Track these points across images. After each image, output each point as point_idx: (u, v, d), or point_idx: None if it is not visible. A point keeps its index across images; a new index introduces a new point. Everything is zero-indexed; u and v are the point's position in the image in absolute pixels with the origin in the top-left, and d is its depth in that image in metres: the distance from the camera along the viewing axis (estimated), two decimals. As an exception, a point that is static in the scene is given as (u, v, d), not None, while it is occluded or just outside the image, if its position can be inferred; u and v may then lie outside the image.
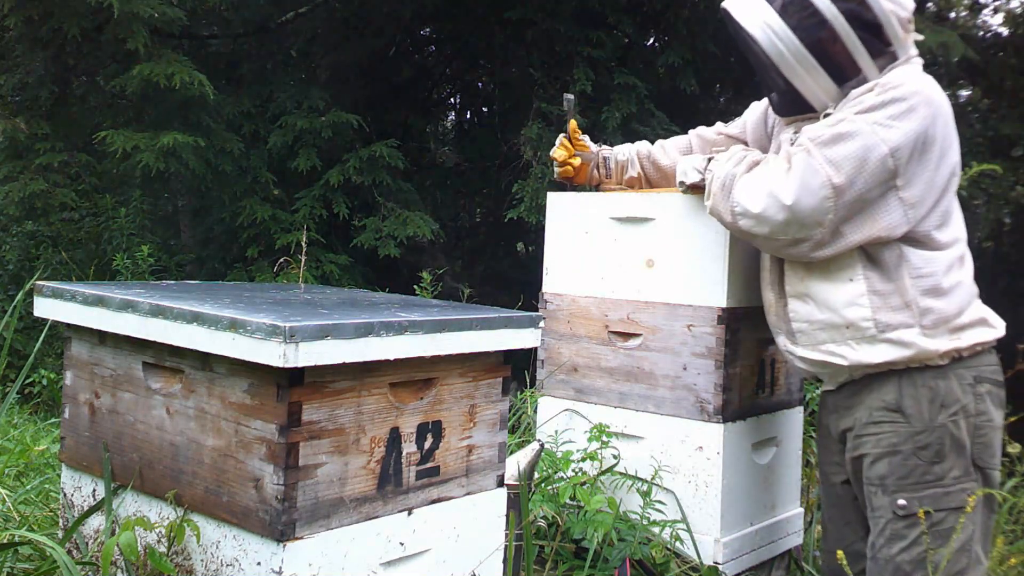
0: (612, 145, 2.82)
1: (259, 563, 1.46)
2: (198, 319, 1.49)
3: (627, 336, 2.58)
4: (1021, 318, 2.32)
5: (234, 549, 1.50)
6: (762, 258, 2.35)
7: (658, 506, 2.44)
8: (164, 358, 1.62)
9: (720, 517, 2.43)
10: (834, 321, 2.13)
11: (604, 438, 2.51)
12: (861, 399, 2.16)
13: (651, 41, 8.55)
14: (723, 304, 2.41)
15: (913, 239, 2.08)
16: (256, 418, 1.47)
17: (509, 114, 8.62)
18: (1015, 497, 3.19)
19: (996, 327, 2.15)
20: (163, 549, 1.58)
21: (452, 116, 11.17)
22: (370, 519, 1.56)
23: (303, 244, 2.68)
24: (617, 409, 2.60)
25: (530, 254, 9.36)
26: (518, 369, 3.90)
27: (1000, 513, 2.98)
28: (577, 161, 2.73)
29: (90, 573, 1.72)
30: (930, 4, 8.93)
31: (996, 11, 9.29)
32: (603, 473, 2.53)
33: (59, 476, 1.98)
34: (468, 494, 1.72)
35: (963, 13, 9.49)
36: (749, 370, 2.51)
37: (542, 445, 2.29)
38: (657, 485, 2.48)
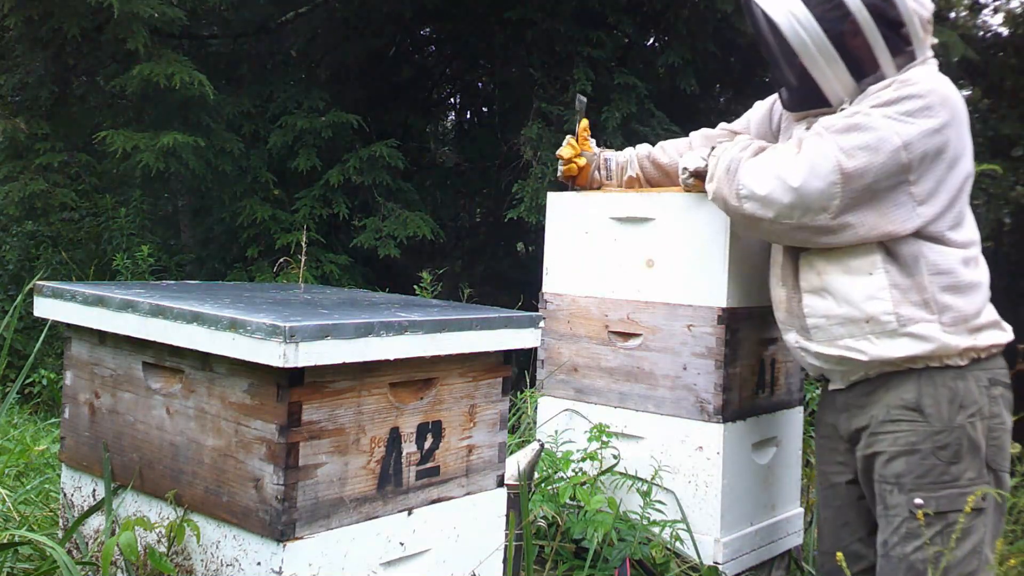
0: (612, 145, 2.83)
1: (259, 563, 1.46)
2: (198, 319, 1.49)
3: (627, 336, 2.58)
4: (1021, 318, 2.32)
5: (234, 549, 1.50)
6: (773, 254, 2.34)
7: (658, 506, 2.44)
8: (164, 358, 1.62)
9: (720, 517, 2.43)
10: (853, 315, 2.12)
11: (604, 438, 2.51)
12: (878, 397, 2.15)
13: (651, 41, 8.55)
14: (723, 304, 2.41)
15: (929, 236, 2.08)
16: (256, 418, 1.47)
17: (509, 114, 8.62)
18: (1015, 497, 3.19)
19: (1007, 331, 2.16)
20: (163, 549, 1.58)
21: (452, 116, 11.17)
22: (370, 519, 1.56)
23: (303, 244, 2.68)
24: (617, 409, 2.60)
25: (530, 254, 9.35)
26: (518, 369, 3.90)
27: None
28: (582, 161, 2.72)
29: (90, 573, 1.72)
30: (930, 4, 8.89)
31: (996, 11, 9.30)
32: (603, 473, 2.53)
33: (59, 476, 1.98)
34: (468, 494, 1.72)
35: (963, 13, 9.49)
36: (749, 370, 2.51)
37: (542, 445, 2.29)
38: (657, 485, 2.48)
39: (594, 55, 7.31)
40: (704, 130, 2.69)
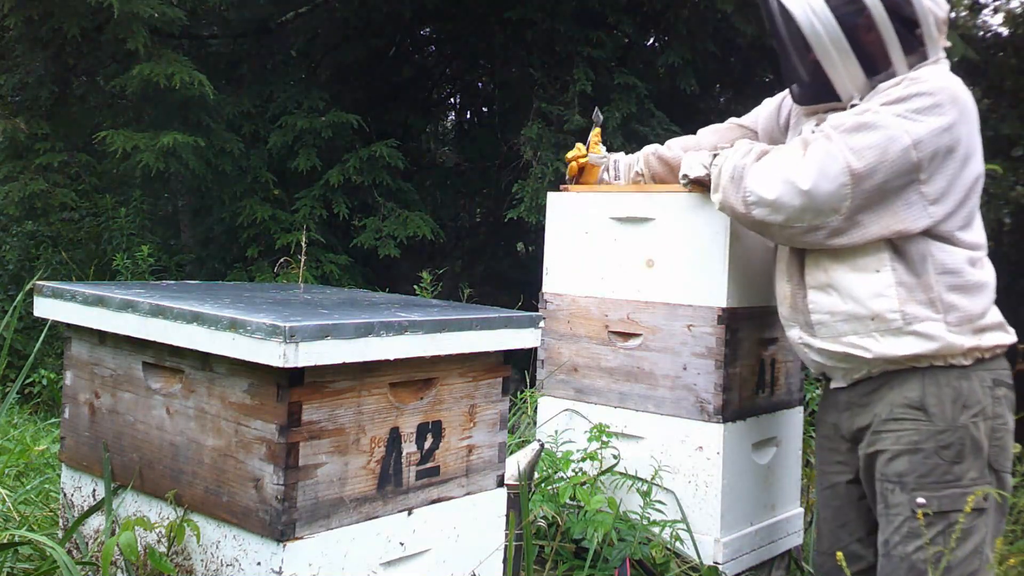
0: (613, 144, 2.84)
1: (259, 563, 1.46)
2: (198, 319, 1.49)
3: (627, 336, 2.58)
4: (1021, 318, 2.32)
5: (234, 549, 1.50)
6: (778, 250, 2.34)
7: (658, 506, 2.44)
8: (164, 358, 1.62)
9: (720, 517, 2.43)
10: (858, 312, 2.12)
11: (604, 438, 2.51)
12: (881, 395, 2.15)
13: (651, 41, 8.55)
14: (723, 304, 2.41)
15: (938, 236, 2.08)
16: (256, 418, 1.47)
17: (509, 114, 8.62)
18: (1015, 497, 3.19)
19: (1011, 333, 2.16)
20: (163, 549, 1.58)
21: (452, 116, 11.17)
22: (370, 519, 1.56)
23: (303, 244, 2.68)
24: (617, 409, 2.60)
25: (530, 254, 9.35)
26: (518, 369, 3.90)
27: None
28: (583, 159, 2.72)
29: (90, 573, 1.72)
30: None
31: (996, 11, 9.29)
32: (603, 473, 2.53)
33: (59, 476, 1.98)
34: (468, 494, 1.72)
35: (963, 13, 9.49)
36: (749, 370, 2.51)
37: (542, 445, 2.29)
38: (657, 485, 2.48)
39: (594, 55, 7.31)
40: (713, 125, 2.68)
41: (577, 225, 2.67)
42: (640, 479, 2.51)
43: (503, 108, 9.08)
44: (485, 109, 10.06)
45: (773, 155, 2.15)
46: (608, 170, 2.75)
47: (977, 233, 2.14)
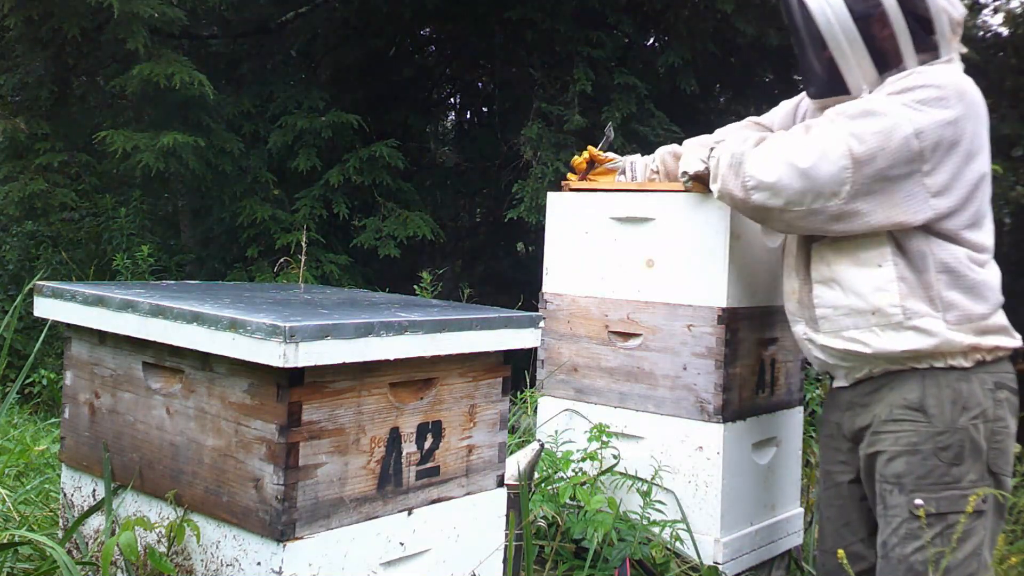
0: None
1: (259, 563, 1.46)
2: (198, 319, 1.49)
3: (627, 336, 2.58)
4: (1022, 318, 2.32)
5: (234, 549, 1.50)
6: (787, 244, 2.34)
7: (658, 506, 2.44)
8: (164, 358, 1.62)
9: (720, 517, 2.43)
10: (859, 306, 2.12)
11: (604, 438, 2.51)
12: (881, 396, 2.15)
13: (651, 41, 8.55)
14: (723, 304, 2.41)
15: (941, 233, 2.08)
16: (256, 418, 1.47)
17: (509, 114, 8.62)
18: (1015, 497, 3.19)
19: (1016, 338, 2.15)
20: (163, 549, 1.58)
21: (452, 116, 11.17)
22: (370, 519, 1.56)
23: (303, 244, 2.68)
24: (617, 409, 2.60)
25: (530, 254, 9.35)
26: (518, 369, 3.90)
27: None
28: (581, 160, 2.73)
29: (90, 573, 1.72)
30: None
31: (996, 11, 9.29)
32: (603, 473, 2.53)
33: (59, 476, 1.98)
34: (468, 494, 1.72)
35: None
36: (749, 370, 2.51)
37: (542, 445, 2.29)
38: (657, 485, 2.48)
39: (594, 55, 7.31)
40: (731, 124, 2.67)
41: (577, 225, 2.67)
42: (640, 479, 2.51)
43: (503, 108, 9.08)
44: (485, 109, 10.06)
45: (773, 139, 2.16)
46: (624, 172, 2.75)
47: (986, 235, 2.13)
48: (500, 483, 1.79)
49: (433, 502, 1.66)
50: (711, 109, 8.76)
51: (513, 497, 1.95)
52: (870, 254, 2.11)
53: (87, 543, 1.75)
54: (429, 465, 1.65)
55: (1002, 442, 2.09)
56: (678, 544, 2.43)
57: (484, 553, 1.75)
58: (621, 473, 2.54)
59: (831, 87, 2.21)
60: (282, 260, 4.56)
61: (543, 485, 2.53)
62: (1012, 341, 2.13)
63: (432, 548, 1.66)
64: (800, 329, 2.27)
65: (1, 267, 7.75)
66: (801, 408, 2.75)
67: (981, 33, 9.39)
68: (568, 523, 2.36)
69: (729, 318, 2.41)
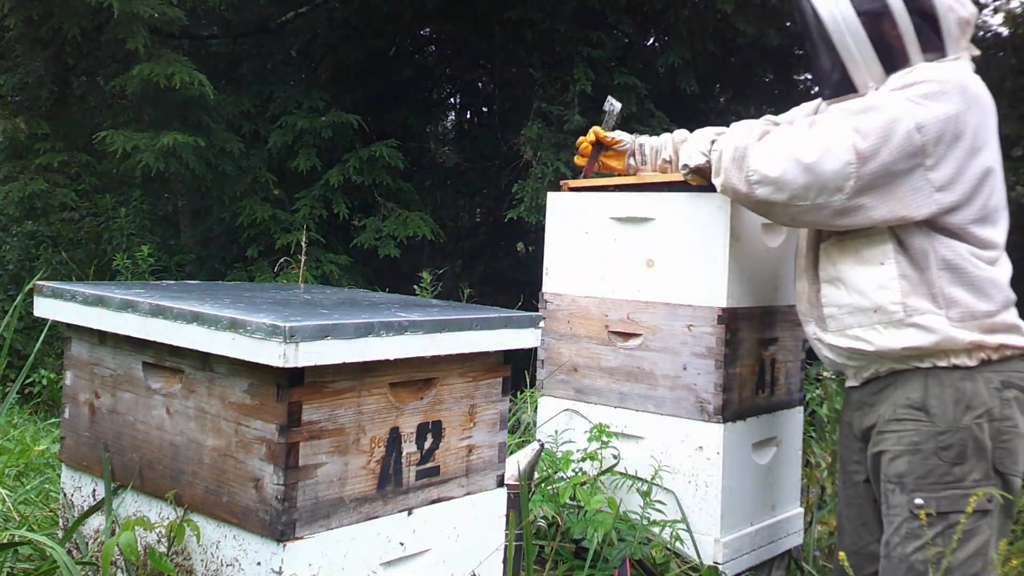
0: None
1: (259, 563, 1.46)
2: (198, 319, 1.49)
3: (627, 336, 2.58)
4: (1022, 318, 2.32)
5: (234, 549, 1.50)
6: (797, 245, 2.34)
7: (658, 506, 2.44)
8: (164, 358, 1.62)
9: (720, 517, 2.43)
10: (862, 304, 2.13)
11: (604, 438, 2.51)
12: (886, 396, 2.15)
13: (651, 41, 8.55)
14: (723, 304, 2.41)
15: (946, 229, 2.07)
16: (256, 418, 1.47)
17: (509, 114, 8.62)
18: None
19: None
20: (163, 549, 1.58)
21: (452, 116, 11.16)
22: (370, 519, 1.56)
23: (303, 244, 2.68)
24: (617, 409, 2.60)
25: (530, 254, 9.35)
26: (518, 369, 3.90)
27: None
28: (586, 141, 2.70)
29: (90, 573, 1.72)
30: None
31: (996, 11, 9.28)
32: (603, 473, 2.53)
33: (59, 476, 1.98)
34: (468, 494, 1.72)
35: (963, 13, 9.44)
36: (749, 370, 2.51)
37: (542, 445, 2.29)
38: (657, 485, 2.48)
39: (594, 55, 7.31)
40: (746, 120, 2.66)
41: (577, 225, 2.67)
42: (640, 479, 2.51)
43: (503, 108, 9.08)
44: (485, 109, 10.06)
45: (777, 134, 2.16)
46: (635, 155, 2.72)
47: (996, 231, 2.11)
48: (500, 483, 1.79)
49: (433, 502, 1.66)
50: (711, 109, 8.76)
51: (513, 497, 1.95)
52: (873, 252, 2.12)
53: (87, 543, 1.75)
54: (429, 465, 1.65)
55: (1009, 441, 2.07)
56: (678, 544, 2.43)
57: (484, 553, 1.75)
58: (621, 473, 2.54)
59: (841, 87, 2.21)
60: (282, 260, 4.56)
61: (543, 485, 2.53)
62: (1021, 339, 2.11)
63: (432, 548, 1.66)
64: (811, 329, 2.28)
65: (1, 267, 7.75)
66: (801, 408, 2.75)
67: (981, 33, 9.38)
68: (568, 523, 2.36)
69: (729, 318, 2.41)
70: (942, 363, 2.08)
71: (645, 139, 2.74)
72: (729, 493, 2.45)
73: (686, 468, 2.47)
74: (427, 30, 9.50)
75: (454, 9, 8.15)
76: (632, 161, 2.73)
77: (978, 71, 2.19)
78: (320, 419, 1.48)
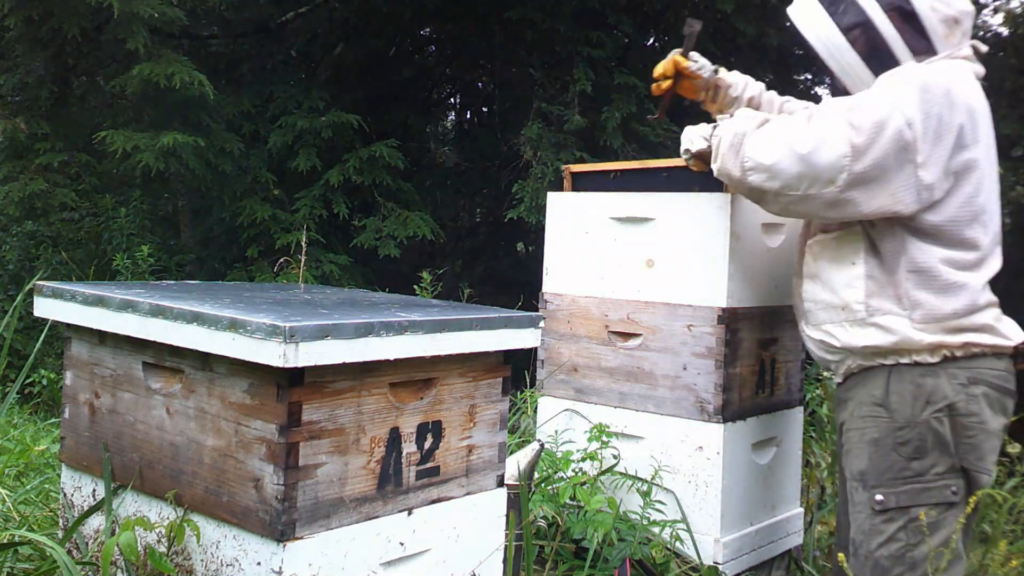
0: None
1: (259, 563, 1.46)
2: (198, 319, 1.49)
3: (627, 336, 2.58)
4: (1021, 318, 2.30)
5: (234, 549, 1.50)
6: (797, 246, 2.36)
7: (658, 506, 2.44)
8: (164, 358, 1.62)
9: (720, 517, 2.43)
10: (833, 301, 2.17)
11: (604, 438, 2.51)
12: (854, 393, 2.18)
13: (651, 41, 8.55)
14: (723, 304, 2.41)
15: (923, 230, 2.07)
16: (256, 418, 1.47)
17: (509, 114, 8.62)
18: (1015, 497, 3.18)
19: (1006, 336, 2.10)
20: (163, 549, 1.58)
21: (452, 116, 11.17)
22: (370, 519, 1.56)
23: (303, 244, 2.68)
24: (617, 409, 2.60)
25: (530, 254, 9.36)
26: (518, 369, 3.90)
27: (1000, 513, 2.98)
28: (667, 83, 2.57)
29: (90, 573, 1.72)
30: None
31: (996, 11, 9.28)
32: (603, 473, 2.53)
33: (59, 476, 1.98)
34: (468, 494, 1.72)
35: (963, 13, 9.43)
36: (749, 370, 2.51)
37: (542, 445, 2.29)
38: (657, 485, 2.48)
39: (594, 55, 7.31)
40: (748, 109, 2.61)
41: (577, 225, 2.67)
42: (640, 479, 2.51)
43: (503, 108, 9.08)
44: (485, 109, 10.06)
45: (775, 123, 2.18)
46: (707, 90, 2.63)
47: (982, 231, 2.10)
48: (500, 483, 1.79)
49: (433, 502, 1.66)
50: (711, 109, 8.74)
51: (513, 497, 1.95)
52: (846, 251, 2.16)
53: (87, 543, 1.75)
54: (429, 465, 1.65)
55: (974, 437, 2.06)
56: (678, 544, 2.43)
57: (484, 553, 1.75)
58: (621, 473, 2.54)
59: (843, 96, 2.25)
60: (282, 260, 4.55)
61: (543, 485, 2.53)
62: (993, 339, 2.09)
63: (432, 548, 1.66)
64: (801, 325, 2.32)
65: (1, 267, 7.75)
66: (801, 408, 2.75)
67: (981, 33, 9.38)
68: (568, 523, 2.36)
69: (729, 318, 2.41)
70: (904, 360, 2.09)
71: (723, 78, 2.65)
72: (729, 493, 2.45)
73: (686, 468, 2.47)
74: (427, 30, 9.51)
75: (454, 9, 8.15)
76: (704, 95, 2.65)
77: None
78: (320, 419, 1.48)
